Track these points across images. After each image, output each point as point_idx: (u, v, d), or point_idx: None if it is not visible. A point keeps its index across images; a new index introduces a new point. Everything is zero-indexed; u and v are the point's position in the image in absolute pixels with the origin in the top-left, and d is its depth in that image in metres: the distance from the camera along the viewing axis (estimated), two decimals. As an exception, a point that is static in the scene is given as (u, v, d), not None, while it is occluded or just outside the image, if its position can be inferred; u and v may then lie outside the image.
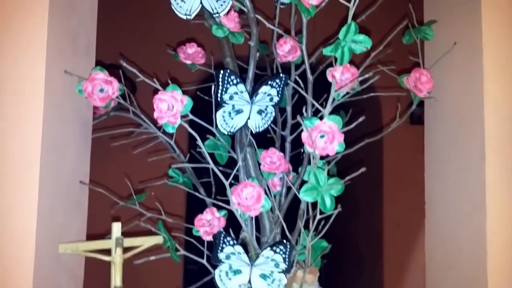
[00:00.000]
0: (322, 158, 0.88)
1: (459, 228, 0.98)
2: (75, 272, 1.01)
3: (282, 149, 1.00)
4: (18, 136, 0.83)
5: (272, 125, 1.03)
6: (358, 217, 3.35)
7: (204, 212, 0.98)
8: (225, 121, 0.86)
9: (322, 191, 0.84)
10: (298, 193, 0.85)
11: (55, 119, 0.89)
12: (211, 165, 0.87)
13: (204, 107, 0.96)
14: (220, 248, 0.87)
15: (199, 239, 0.97)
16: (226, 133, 0.88)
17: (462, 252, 0.96)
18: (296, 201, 0.94)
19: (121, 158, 1.35)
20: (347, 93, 0.95)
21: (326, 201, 0.84)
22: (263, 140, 1.02)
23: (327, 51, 0.82)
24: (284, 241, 0.89)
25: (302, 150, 0.89)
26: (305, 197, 0.84)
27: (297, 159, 1.01)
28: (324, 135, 0.83)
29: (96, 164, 1.08)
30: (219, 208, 0.98)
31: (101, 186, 1.04)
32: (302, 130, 0.91)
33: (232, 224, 0.94)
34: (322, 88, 0.96)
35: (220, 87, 0.83)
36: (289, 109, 1.02)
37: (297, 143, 0.96)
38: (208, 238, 0.95)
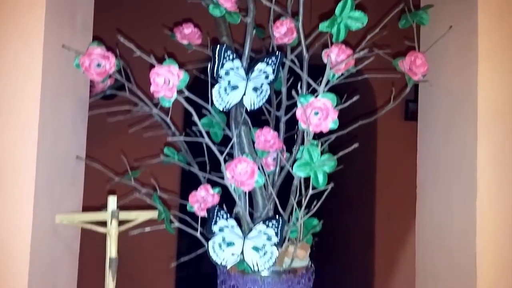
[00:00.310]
0: (315, 138, 0.89)
1: (450, 220, 1.00)
2: (71, 244, 1.02)
3: (277, 130, 1.01)
4: (16, 111, 0.84)
5: (267, 106, 1.05)
6: (350, 210, 3.38)
7: (198, 189, 1.00)
8: (221, 96, 0.87)
9: (315, 167, 0.85)
10: (292, 169, 0.87)
11: (53, 95, 0.91)
12: (206, 139, 0.89)
13: (199, 89, 0.96)
14: (213, 221, 0.89)
15: (192, 216, 0.98)
16: (221, 109, 0.89)
17: (452, 242, 0.98)
18: (289, 179, 0.95)
19: (117, 136, 1.36)
20: (342, 74, 0.97)
21: (319, 177, 0.85)
22: (258, 121, 1.04)
23: (323, 26, 0.84)
24: (277, 216, 0.91)
25: (296, 127, 0.90)
26: (298, 172, 0.85)
27: (291, 140, 1.03)
28: (318, 112, 0.84)
29: (92, 140, 1.10)
30: (213, 185, 0.99)
31: (97, 162, 1.05)
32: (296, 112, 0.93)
33: (226, 201, 0.96)
34: (316, 73, 0.97)
35: (217, 62, 0.85)
36: (284, 90, 1.03)
37: (292, 124, 0.98)
38: (202, 213, 0.97)
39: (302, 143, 0.90)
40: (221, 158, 0.89)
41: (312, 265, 0.96)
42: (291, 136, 1.01)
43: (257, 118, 1.04)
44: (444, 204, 1.03)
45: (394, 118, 2.95)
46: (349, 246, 3.37)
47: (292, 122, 0.97)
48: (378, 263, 2.89)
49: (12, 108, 0.84)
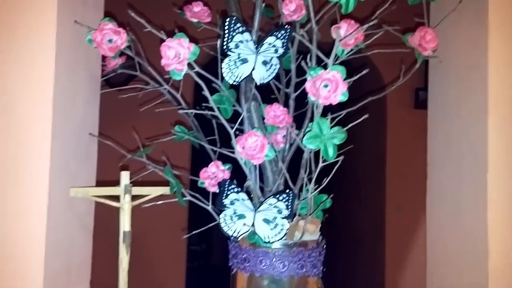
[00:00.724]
0: (324, 115, 0.89)
1: (461, 210, 1.00)
2: (86, 219, 1.04)
3: (286, 107, 1.02)
4: (30, 87, 0.85)
5: (276, 83, 1.05)
6: (359, 200, 3.37)
7: (209, 165, 1.01)
8: (231, 70, 0.88)
9: (325, 139, 0.86)
10: (301, 142, 0.88)
11: (66, 71, 0.92)
12: (216, 112, 0.90)
13: (209, 70, 0.96)
14: (225, 194, 0.90)
15: (203, 193, 0.99)
16: (231, 82, 0.90)
17: (463, 232, 0.98)
18: (299, 155, 0.96)
19: (128, 115, 1.37)
20: (351, 50, 0.97)
21: (328, 149, 0.86)
22: (268, 100, 1.04)
23: (332, -5, 0.84)
24: (287, 190, 0.91)
25: (306, 102, 0.91)
26: (308, 144, 0.86)
27: (300, 119, 1.03)
28: (328, 84, 0.85)
29: (105, 118, 1.11)
30: (224, 162, 1.01)
31: (110, 140, 1.06)
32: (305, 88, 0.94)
33: (236, 178, 0.97)
34: (325, 53, 0.96)
35: (226, 35, 0.85)
36: (293, 66, 1.04)
37: (301, 104, 0.98)
38: (213, 189, 0.98)
39: (312, 118, 0.90)
40: (231, 132, 0.90)
41: (323, 239, 0.96)
42: (301, 115, 1.01)
43: (267, 97, 1.05)
44: (454, 194, 1.03)
45: (403, 107, 2.94)
46: (359, 237, 3.36)
47: (302, 102, 0.97)
48: (389, 254, 2.88)
49: (26, 84, 0.86)
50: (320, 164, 0.88)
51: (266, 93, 1.05)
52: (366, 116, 0.87)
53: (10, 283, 0.82)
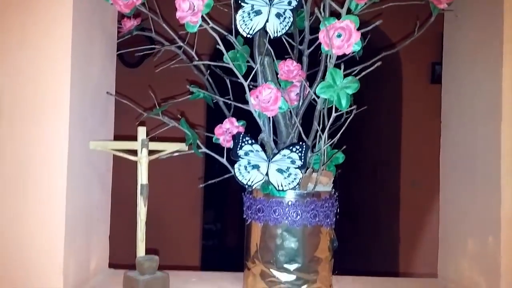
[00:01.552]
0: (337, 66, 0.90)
1: (474, 187, 1.00)
2: (105, 175, 1.08)
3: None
4: (47, 45, 0.87)
5: (290, 40, 1.06)
6: (374, 177, 3.37)
7: (224, 122, 1.03)
8: (244, 22, 0.89)
9: (338, 89, 0.87)
10: (315, 93, 0.89)
11: (84, 33, 0.94)
12: (231, 65, 0.91)
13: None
14: (239, 146, 0.92)
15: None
16: (245, 35, 0.91)
17: (476, 209, 0.98)
18: (312, 111, 0.97)
19: (145, 74, 1.39)
20: (365, 4, 0.96)
21: (341, 99, 0.87)
22: (281, 58, 1.05)
23: None
24: (301, 142, 0.93)
25: (319, 52, 0.92)
26: (321, 94, 0.87)
27: (314, 77, 1.03)
28: (341, 34, 0.85)
29: (121, 78, 1.14)
30: (238, 119, 1.02)
31: (127, 99, 1.09)
32: (319, 44, 0.94)
33: (250, 134, 0.98)
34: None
35: (240, -15, 0.86)
36: (307, 24, 1.04)
37: (314, 63, 0.99)
38: (228, 145, 1.00)
39: (325, 72, 0.91)
40: (246, 84, 0.91)
41: (336, 192, 0.98)
42: (314, 75, 1.02)
43: (280, 56, 1.06)
44: (468, 171, 1.02)
45: (420, 81, 2.91)
46: (374, 214, 3.37)
47: (315, 61, 0.98)
48: (403, 230, 2.89)
49: (45, 45, 0.87)
50: (333, 114, 0.89)
51: (280, 52, 1.06)
52: (379, 63, 0.87)
53: (32, 235, 0.86)
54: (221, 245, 4.42)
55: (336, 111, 0.90)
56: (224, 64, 0.94)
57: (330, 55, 0.89)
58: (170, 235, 2.46)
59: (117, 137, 1.12)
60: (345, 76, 0.88)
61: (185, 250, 2.63)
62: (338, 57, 0.90)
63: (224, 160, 0.96)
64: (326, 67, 0.91)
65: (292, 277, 0.91)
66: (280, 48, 1.05)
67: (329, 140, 0.96)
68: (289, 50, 1.08)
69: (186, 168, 2.46)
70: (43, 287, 0.85)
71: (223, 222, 4.43)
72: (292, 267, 0.91)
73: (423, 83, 2.90)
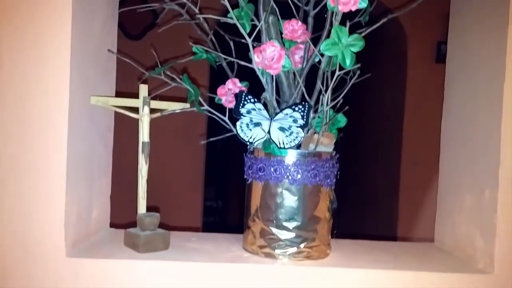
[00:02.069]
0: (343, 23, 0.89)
1: (474, 147, 1.00)
2: (106, 134, 1.07)
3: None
4: (48, 5, 0.86)
5: (295, 0, 1.04)
6: (376, 158, 3.38)
7: (226, 82, 1.02)
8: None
9: (343, 47, 0.86)
10: (319, 52, 0.88)
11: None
12: (236, 21, 0.90)
13: None
14: (241, 104, 0.92)
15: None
16: (250, -10, 0.90)
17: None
18: (316, 73, 0.96)
19: (147, 46, 1.38)
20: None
21: (346, 57, 0.86)
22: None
23: None
24: (303, 102, 0.93)
25: (325, 10, 0.91)
26: (326, 52, 0.86)
27: (318, 41, 1.03)
28: (347, -10, 0.84)
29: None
30: (241, 80, 1.02)
31: (129, 58, 1.08)
32: (324, 5, 0.93)
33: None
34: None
35: None
36: (312, -16, 1.03)
37: (319, 22, 0.98)
38: (230, 105, 1.00)
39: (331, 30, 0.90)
40: (250, 41, 0.91)
41: (337, 154, 0.98)
42: (319, 38, 1.01)
43: (286, 17, 1.04)
44: (468, 130, 1.02)
45: (425, 60, 2.89)
46: (374, 193, 3.39)
47: (320, 24, 0.97)
48: (402, 209, 2.91)
49: (45, 2, 0.86)
50: (337, 73, 0.89)
51: (285, 14, 1.04)
52: (385, 19, 0.86)
53: (33, 189, 0.86)
54: (224, 207, 4.49)
55: (340, 71, 0.89)
56: (229, 20, 0.93)
57: (336, 12, 0.88)
58: (172, 197, 2.51)
59: (118, 95, 1.12)
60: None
61: (187, 211, 2.68)
62: (345, 20, 0.89)
63: (226, 119, 0.96)
64: (331, 24, 0.90)
65: (291, 235, 0.92)
66: (285, 10, 1.04)
67: (332, 102, 0.96)
68: (294, 11, 1.07)
69: (189, 129, 2.47)
70: (44, 241, 0.86)
71: (225, 185, 4.48)
72: (292, 225, 0.92)
73: (428, 62, 2.88)
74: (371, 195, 3.45)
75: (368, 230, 3.37)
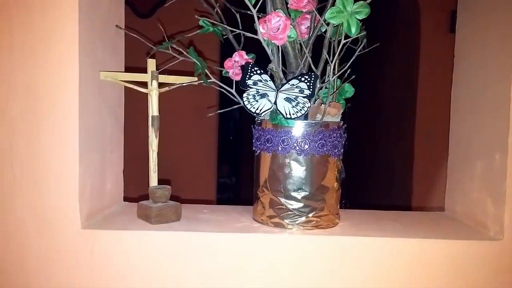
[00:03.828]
0: None
1: (483, 115, 0.98)
2: (117, 110, 1.09)
3: None
4: None
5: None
6: (389, 128, 3.35)
7: (233, 55, 1.02)
8: None
9: (348, 15, 0.85)
10: (325, 20, 0.87)
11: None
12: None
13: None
14: (247, 75, 0.92)
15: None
16: (253, -41, 0.89)
17: (485, 132, 0.97)
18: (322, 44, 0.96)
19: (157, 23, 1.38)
20: None
21: (351, 25, 0.85)
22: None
23: None
24: (309, 72, 0.92)
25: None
26: (331, 20, 0.85)
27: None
28: (352, -44, 0.83)
29: (129, 15, 1.13)
30: (248, 52, 1.02)
31: (136, 33, 1.09)
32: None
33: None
34: None
35: None
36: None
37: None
38: (237, 78, 1.00)
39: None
40: (254, 12, 0.90)
41: (344, 124, 0.98)
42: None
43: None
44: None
45: (438, 30, 2.82)
46: (388, 166, 3.38)
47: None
48: (416, 182, 2.89)
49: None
50: (343, 41, 0.88)
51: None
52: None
53: (46, 164, 0.88)
54: (236, 181, 4.52)
55: (345, 39, 0.88)
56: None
57: (340, -20, 0.86)
58: (186, 171, 2.55)
59: (127, 71, 1.13)
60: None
61: (200, 185, 2.73)
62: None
63: (233, 91, 0.97)
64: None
65: (299, 205, 0.93)
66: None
67: (338, 72, 0.95)
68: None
69: (201, 103, 2.49)
70: (59, 213, 0.89)
71: (238, 157, 4.51)
72: (300, 195, 0.93)
73: (442, 32, 2.82)
74: (385, 166, 3.44)
75: (382, 201, 3.37)
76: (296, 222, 0.93)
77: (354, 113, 1.04)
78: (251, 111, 0.91)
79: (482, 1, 1.02)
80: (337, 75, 0.95)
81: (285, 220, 0.94)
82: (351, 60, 0.96)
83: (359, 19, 0.86)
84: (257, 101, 0.91)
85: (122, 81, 0.99)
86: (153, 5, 2.75)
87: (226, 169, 4.31)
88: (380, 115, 3.54)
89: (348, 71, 0.99)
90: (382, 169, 3.51)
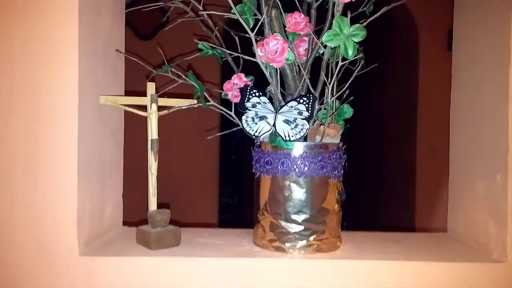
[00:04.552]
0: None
1: (482, 132, 0.98)
2: (117, 132, 1.09)
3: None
4: (55, 5, 0.87)
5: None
6: (391, 145, 3.35)
7: (232, 77, 1.03)
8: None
9: (345, 37, 0.86)
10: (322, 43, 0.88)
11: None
12: (238, 16, 0.90)
13: None
14: (246, 98, 0.92)
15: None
16: (250, -15, 0.90)
17: (484, 150, 0.97)
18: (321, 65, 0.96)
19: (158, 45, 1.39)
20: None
21: (348, 47, 0.86)
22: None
23: None
24: (308, 94, 0.93)
25: (326, 1, 0.90)
26: (328, 42, 0.86)
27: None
28: (348, -20, 0.84)
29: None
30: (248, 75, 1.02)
31: (137, 57, 1.09)
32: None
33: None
34: None
35: None
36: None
37: (322, 14, 0.97)
38: (236, 100, 1.00)
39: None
40: (252, 36, 0.91)
41: (344, 144, 0.97)
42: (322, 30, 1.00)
43: (289, 11, 1.04)
44: (476, 115, 1.01)
45: (437, 48, 2.85)
46: (390, 182, 3.36)
47: (323, 16, 0.96)
48: (419, 198, 2.87)
49: (51, 2, 0.88)
50: (340, 64, 0.88)
51: (287, 9, 1.04)
52: (386, 9, 0.86)
53: (45, 189, 0.88)
54: (238, 201, 4.47)
55: (343, 61, 0.88)
56: (231, 16, 0.93)
57: (336, 3, 0.87)
58: (187, 193, 2.53)
59: (127, 94, 1.13)
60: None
61: (202, 207, 2.70)
62: (346, 11, 0.89)
63: (232, 113, 0.97)
64: (333, 15, 0.90)
65: (300, 228, 0.92)
66: (288, 2, 1.03)
67: (337, 93, 0.96)
68: (297, 3, 1.07)
69: (202, 125, 2.49)
70: (58, 239, 0.88)
71: (239, 180, 4.47)
72: (300, 218, 0.92)
73: (440, 50, 2.84)
74: (387, 185, 3.42)
75: (383, 221, 3.34)
76: (297, 246, 0.92)
77: (354, 132, 1.04)
78: (250, 133, 0.91)
79: (477, 21, 1.03)
80: (336, 96, 0.95)
81: (286, 244, 0.92)
82: (349, 82, 0.96)
83: (356, 42, 0.86)
84: (256, 123, 0.91)
85: (122, 105, 0.99)
86: (154, 27, 2.78)
87: (228, 190, 4.28)
88: (381, 133, 3.54)
89: (347, 92, 0.99)
90: (383, 188, 3.49)
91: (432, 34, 2.84)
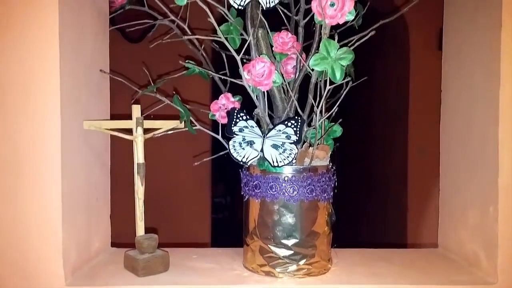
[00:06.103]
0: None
1: (472, 158, 0.98)
2: (102, 154, 1.07)
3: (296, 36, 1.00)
4: (35, 25, 0.85)
5: (285, 11, 1.02)
6: (382, 145, 3.35)
7: (220, 97, 1.01)
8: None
9: (332, 61, 0.84)
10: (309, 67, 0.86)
11: (72, 7, 0.91)
12: (223, 39, 0.89)
13: None
14: (233, 122, 0.91)
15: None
16: (236, 6, 0.88)
17: (475, 177, 0.97)
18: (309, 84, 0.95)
19: (146, 49, 1.35)
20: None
21: (336, 71, 0.84)
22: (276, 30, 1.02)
23: None
24: (296, 117, 0.91)
25: (313, 23, 0.89)
26: (315, 67, 0.85)
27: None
28: (334, 3, 0.82)
29: (123, 53, 1.12)
30: (236, 93, 1.01)
31: (121, 76, 1.07)
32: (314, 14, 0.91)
33: (247, 110, 0.97)
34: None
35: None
36: (302, -7, 1.00)
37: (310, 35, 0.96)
38: (223, 121, 0.98)
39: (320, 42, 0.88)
40: (238, 58, 0.89)
41: (333, 166, 0.96)
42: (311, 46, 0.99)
43: (277, 27, 1.03)
44: (466, 139, 1.01)
45: (427, 48, 2.84)
46: (382, 184, 3.36)
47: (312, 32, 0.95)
48: (411, 199, 2.88)
49: (31, 21, 0.85)
50: (328, 87, 0.87)
51: (275, 25, 1.03)
52: (373, 33, 0.84)
53: (28, 218, 0.86)
54: (232, 219, 4.45)
55: (331, 84, 0.87)
56: (217, 38, 0.91)
57: (323, 26, 0.86)
58: (179, 212, 2.49)
59: (113, 116, 1.11)
60: (342, 46, 0.85)
61: (195, 226, 2.67)
62: (335, 27, 0.87)
63: (219, 137, 0.95)
64: (320, 38, 0.88)
65: (290, 252, 0.91)
66: (275, 20, 1.02)
67: (325, 114, 0.95)
68: (285, 20, 1.05)
69: (193, 145, 2.47)
70: (43, 270, 0.86)
71: (232, 196, 4.45)
72: (290, 242, 0.91)
73: (430, 49, 2.84)
74: (379, 191, 3.42)
75: (374, 237, 3.34)
76: (287, 271, 0.91)
77: (342, 147, 1.03)
78: (237, 159, 0.90)
79: (467, 20, 1.02)
80: (324, 118, 0.94)
81: (276, 269, 0.91)
82: (337, 103, 0.95)
83: (343, 65, 0.85)
84: (243, 148, 0.90)
85: (106, 129, 0.98)
86: (143, 30, 2.74)
87: (220, 208, 4.24)
88: (370, 136, 3.53)
89: (336, 110, 0.98)
90: (374, 199, 3.49)
91: (422, 34, 2.84)
